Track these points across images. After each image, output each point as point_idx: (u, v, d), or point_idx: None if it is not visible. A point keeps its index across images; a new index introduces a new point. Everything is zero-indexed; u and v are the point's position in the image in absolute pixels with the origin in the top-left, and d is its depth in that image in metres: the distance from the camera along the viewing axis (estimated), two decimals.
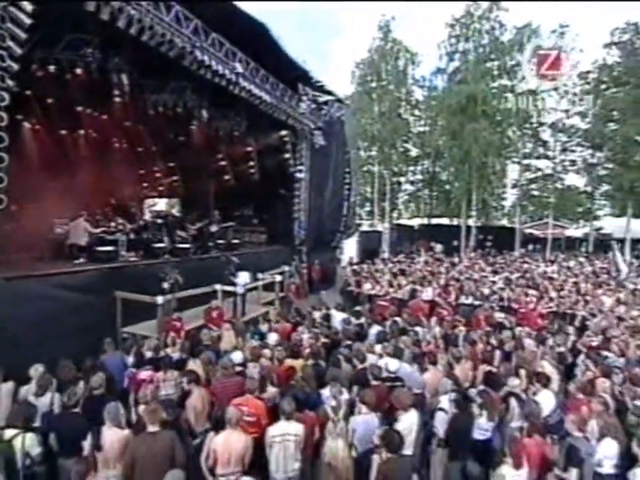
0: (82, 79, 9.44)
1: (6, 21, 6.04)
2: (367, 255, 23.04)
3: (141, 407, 4.23)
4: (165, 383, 5.07)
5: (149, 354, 5.84)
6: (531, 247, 29.58)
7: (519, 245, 28.10)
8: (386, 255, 25.52)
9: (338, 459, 3.72)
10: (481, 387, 5.06)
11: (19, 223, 8.27)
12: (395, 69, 30.51)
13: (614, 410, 4.79)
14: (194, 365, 5.32)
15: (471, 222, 29.20)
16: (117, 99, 10.81)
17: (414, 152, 33.33)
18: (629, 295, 11.88)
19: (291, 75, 12.74)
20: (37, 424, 3.99)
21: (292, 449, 3.92)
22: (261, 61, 11.11)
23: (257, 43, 10.64)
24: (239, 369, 5.29)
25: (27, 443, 3.55)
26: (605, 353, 6.72)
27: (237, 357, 5.53)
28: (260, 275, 11.26)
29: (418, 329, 7.88)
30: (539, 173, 29.56)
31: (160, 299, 7.86)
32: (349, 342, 6.66)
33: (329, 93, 15.17)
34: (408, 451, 4.03)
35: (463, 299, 11.59)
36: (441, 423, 4.45)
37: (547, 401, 4.76)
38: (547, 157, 29.03)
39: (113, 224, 10.87)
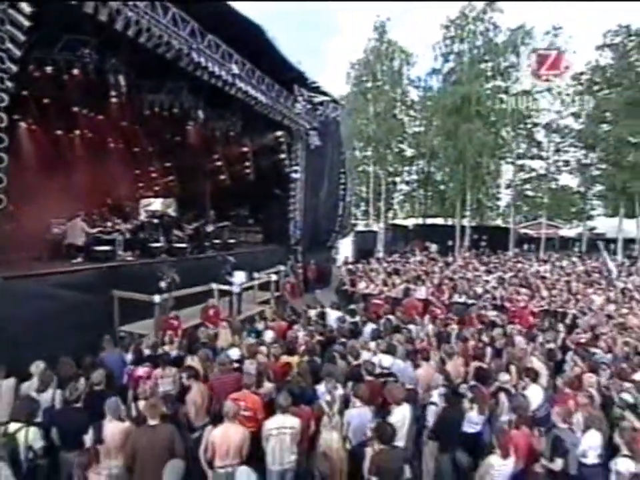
0: (79, 79, 9.45)
1: (5, 23, 6.11)
2: (362, 255, 23.18)
3: (141, 403, 4.35)
4: (163, 380, 5.18)
5: (147, 351, 5.96)
6: (525, 246, 29.84)
7: (512, 244, 28.32)
8: (381, 255, 25.67)
9: (332, 449, 3.85)
10: (472, 382, 5.21)
11: (16, 222, 8.32)
12: (390, 70, 30.66)
13: (600, 404, 4.97)
14: (192, 361, 5.44)
15: (465, 222, 29.42)
16: (114, 100, 10.85)
17: (409, 152, 33.49)
18: (618, 293, 12.09)
19: (287, 76, 12.85)
20: (38, 419, 4.08)
21: (288, 442, 4.04)
22: (256, 62, 11.21)
23: (253, 45, 10.75)
24: (236, 365, 5.41)
25: (29, 437, 3.65)
26: (593, 349, 6.91)
27: (234, 353, 5.66)
28: (256, 275, 11.34)
29: (411, 326, 8.02)
30: (533, 173, 29.76)
31: (157, 298, 7.94)
32: (343, 339, 6.80)
33: (325, 93, 15.29)
34: (400, 443, 4.17)
35: (456, 298, 11.75)
36: (432, 417, 4.60)
37: (535, 395, 4.93)
38: (540, 158, 29.25)
39: (109, 224, 10.93)
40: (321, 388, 4.83)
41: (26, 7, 6.30)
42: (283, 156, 14.63)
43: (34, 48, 8.18)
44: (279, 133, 14.35)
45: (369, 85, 30.93)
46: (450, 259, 21.77)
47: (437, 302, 10.94)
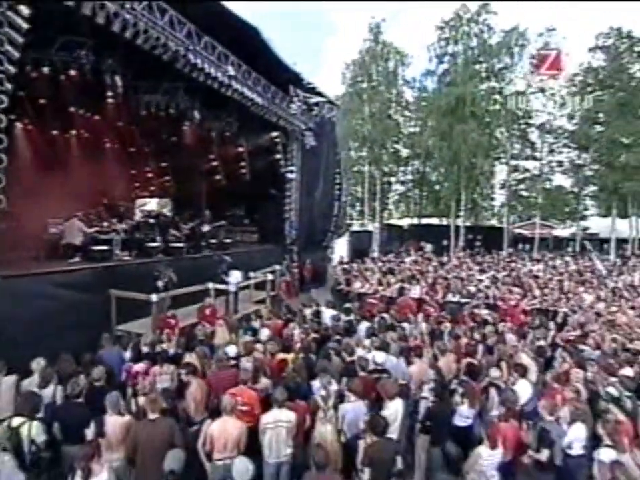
0: (76, 80, 9.54)
1: (4, 26, 6.19)
2: (357, 255, 23.30)
3: (141, 398, 4.46)
4: (162, 377, 5.27)
5: (145, 349, 6.05)
6: (520, 246, 30.10)
7: (507, 244, 28.56)
8: (376, 255, 25.82)
9: (327, 442, 3.96)
10: (463, 377, 5.35)
11: (14, 222, 8.37)
12: (385, 70, 30.84)
13: (587, 398, 5.13)
14: (190, 358, 5.55)
15: (459, 222, 29.63)
16: (110, 100, 10.93)
17: (404, 152, 33.69)
18: (609, 292, 12.29)
19: (282, 77, 12.98)
20: (40, 414, 4.17)
21: (284, 435, 4.16)
22: (252, 63, 11.32)
23: (249, 46, 10.87)
24: (233, 362, 5.53)
25: (33, 431, 3.76)
26: (582, 346, 7.08)
27: (232, 350, 5.77)
28: (252, 274, 11.45)
29: (405, 325, 8.15)
30: (527, 174, 30.02)
31: (154, 297, 8.03)
32: (338, 337, 6.93)
33: (320, 94, 15.42)
34: (393, 436, 4.30)
35: (450, 297, 11.89)
36: (424, 410, 4.74)
37: (524, 389, 5.07)
38: (534, 158, 29.48)
39: (105, 224, 10.99)
40: (316, 383, 4.95)
41: (24, 9, 6.38)
42: (278, 156, 14.75)
43: (31, 49, 8.24)
44: (275, 134, 14.47)
45: (364, 85, 31.08)
46: (444, 258, 21.92)
47: (431, 301, 11.09)
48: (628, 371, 5.76)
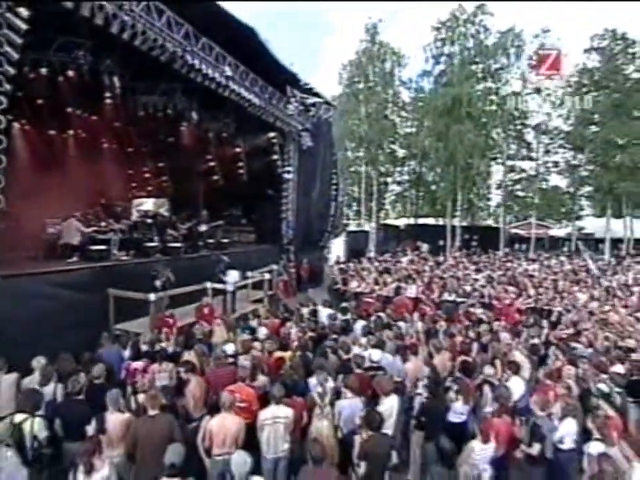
0: (73, 80, 9.53)
1: (3, 27, 6.24)
2: (354, 254, 23.42)
3: (140, 396, 4.53)
4: (160, 375, 5.34)
5: (144, 347, 6.11)
6: (517, 246, 30.29)
7: (503, 244, 28.72)
8: (372, 254, 25.93)
9: (323, 436, 4.05)
10: (457, 374, 5.44)
11: (12, 222, 8.40)
12: (382, 71, 30.97)
13: (579, 394, 5.23)
14: (189, 356, 5.62)
15: (456, 222, 29.80)
16: (108, 101, 10.96)
17: (400, 153, 33.84)
18: (602, 291, 12.43)
19: (280, 78, 13.03)
20: (41, 411, 4.23)
21: (282, 431, 4.25)
22: (250, 64, 11.37)
23: (246, 47, 10.91)
24: (231, 360, 5.60)
25: (35, 427, 3.83)
26: (574, 344, 7.20)
27: (230, 348, 5.85)
28: (249, 274, 11.49)
29: (401, 323, 8.25)
30: (523, 174, 30.26)
31: (152, 296, 8.08)
32: (335, 336, 7.01)
33: (317, 95, 15.48)
34: (389, 432, 4.38)
35: (446, 296, 12.00)
36: (418, 406, 4.83)
37: (517, 386, 5.17)
38: (530, 158, 29.75)
39: (103, 224, 11.02)
40: (312, 381, 5.03)
41: (24, 11, 6.43)
42: (275, 157, 14.80)
43: (29, 50, 8.28)
44: (272, 134, 14.52)
45: (361, 86, 31.20)
46: (441, 258, 22.06)
47: (427, 300, 11.19)
48: (619, 368, 5.88)
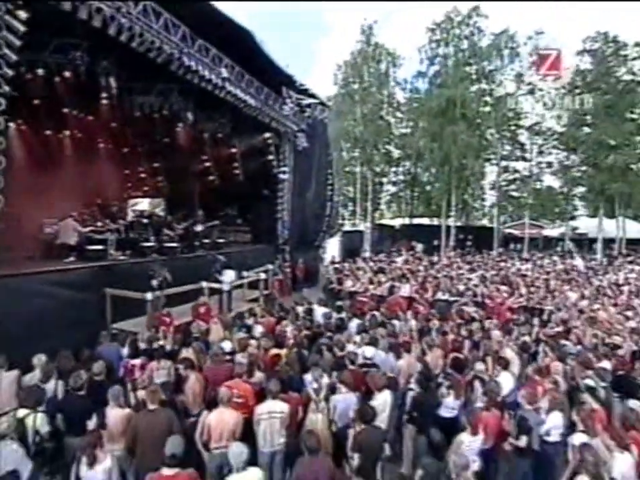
0: (70, 81, 9.60)
1: (2, 30, 6.32)
2: (349, 254, 23.55)
3: (140, 392, 4.64)
4: (159, 372, 5.44)
5: (142, 345, 6.21)
6: (512, 246, 30.54)
7: (497, 244, 28.96)
8: (367, 254, 26.09)
9: (317, 429, 4.18)
10: (448, 370, 5.60)
11: (11, 222, 8.46)
12: (377, 72, 31.13)
13: (567, 389, 5.41)
14: (187, 353, 5.74)
15: (450, 222, 30.02)
16: (105, 101, 11.02)
17: (395, 153, 34.03)
18: (593, 290, 12.64)
19: (275, 79, 13.16)
20: (42, 407, 4.33)
21: (278, 425, 4.37)
22: (246, 65, 11.49)
23: (242, 48, 11.04)
24: (228, 357, 5.72)
25: (37, 422, 3.95)
26: (564, 341, 7.37)
27: (227, 346, 5.97)
28: (245, 273, 11.59)
29: (395, 322, 8.39)
30: (517, 175, 30.49)
31: (149, 296, 8.18)
32: (330, 334, 7.14)
33: (312, 95, 15.63)
34: (382, 425, 4.52)
35: (439, 295, 12.14)
36: (410, 400, 4.98)
37: (506, 381, 5.32)
38: (524, 159, 29.97)
39: (99, 224, 11.09)
40: (308, 377, 5.15)
41: (22, 13, 6.51)
42: (271, 157, 14.94)
43: (26, 50, 8.33)
44: (267, 135, 14.65)
45: (356, 86, 31.33)
46: (435, 258, 22.25)
47: (421, 299, 11.33)
48: (605, 364, 6.06)
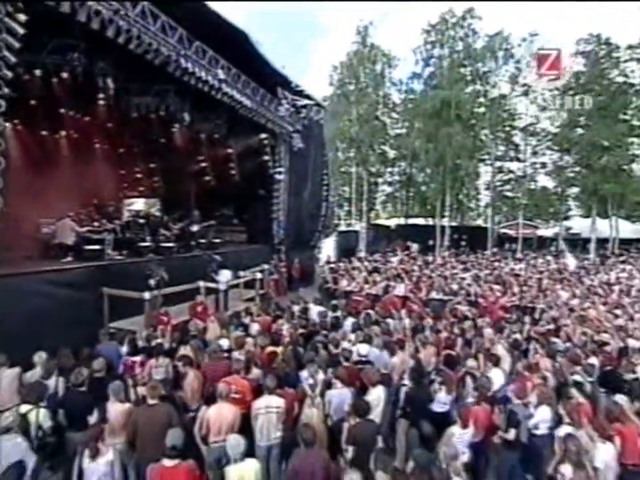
0: (67, 82, 9.62)
1: (2, 32, 6.40)
2: (344, 254, 23.68)
3: (140, 388, 4.76)
4: (157, 369, 5.56)
5: (141, 343, 6.31)
6: (507, 246, 30.79)
7: (491, 244, 29.19)
8: (363, 254, 26.24)
9: (313, 423, 4.31)
10: (441, 367, 5.74)
11: (9, 222, 8.52)
12: (373, 72, 31.27)
13: (556, 385, 5.56)
14: (185, 350, 5.85)
15: (445, 222, 30.23)
16: (102, 102, 11.06)
17: (391, 154, 34.25)
18: (584, 290, 12.84)
19: (271, 80, 13.29)
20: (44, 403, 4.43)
21: (274, 420, 4.49)
22: (242, 66, 11.61)
23: (239, 50, 11.16)
24: (225, 354, 5.84)
25: (40, 417, 4.06)
26: (554, 339, 7.55)
27: (225, 343, 6.09)
28: (241, 273, 11.67)
29: (389, 320, 8.53)
30: (511, 175, 30.77)
31: (147, 295, 8.26)
32: (325, 332, 7.27)
33: (308, 96, 15.76)
34: (376, 420, 4.65)
35: (433, 295, 12.30)
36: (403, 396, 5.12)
37: (496, 377, 5.47)
38: (518, 160, 30.23)
39: (96, 223, 11.15)
40: (304, 373, 5.29)
41: (21, 16, 6.59)
42: (266, 158, 15.06)
43: (24, 52, 8.39)
44: (263, 136, 14.76)
45: (352, 87, 31.50)
46: (430, 258, 22.42)
47: (415, 298, 11.49)
48: (593, 361, 6.23)
